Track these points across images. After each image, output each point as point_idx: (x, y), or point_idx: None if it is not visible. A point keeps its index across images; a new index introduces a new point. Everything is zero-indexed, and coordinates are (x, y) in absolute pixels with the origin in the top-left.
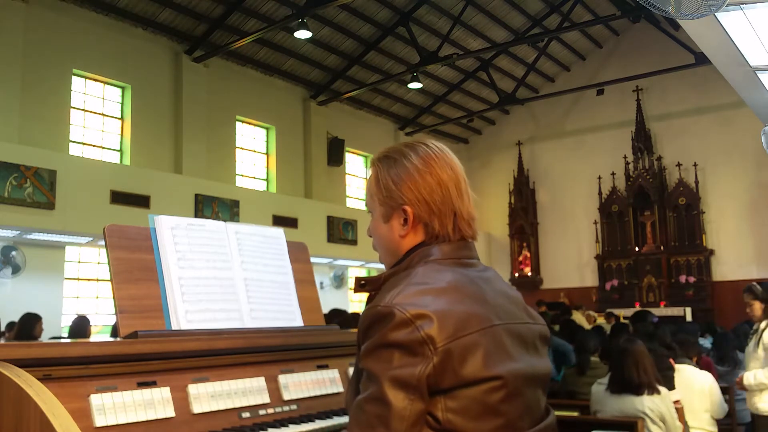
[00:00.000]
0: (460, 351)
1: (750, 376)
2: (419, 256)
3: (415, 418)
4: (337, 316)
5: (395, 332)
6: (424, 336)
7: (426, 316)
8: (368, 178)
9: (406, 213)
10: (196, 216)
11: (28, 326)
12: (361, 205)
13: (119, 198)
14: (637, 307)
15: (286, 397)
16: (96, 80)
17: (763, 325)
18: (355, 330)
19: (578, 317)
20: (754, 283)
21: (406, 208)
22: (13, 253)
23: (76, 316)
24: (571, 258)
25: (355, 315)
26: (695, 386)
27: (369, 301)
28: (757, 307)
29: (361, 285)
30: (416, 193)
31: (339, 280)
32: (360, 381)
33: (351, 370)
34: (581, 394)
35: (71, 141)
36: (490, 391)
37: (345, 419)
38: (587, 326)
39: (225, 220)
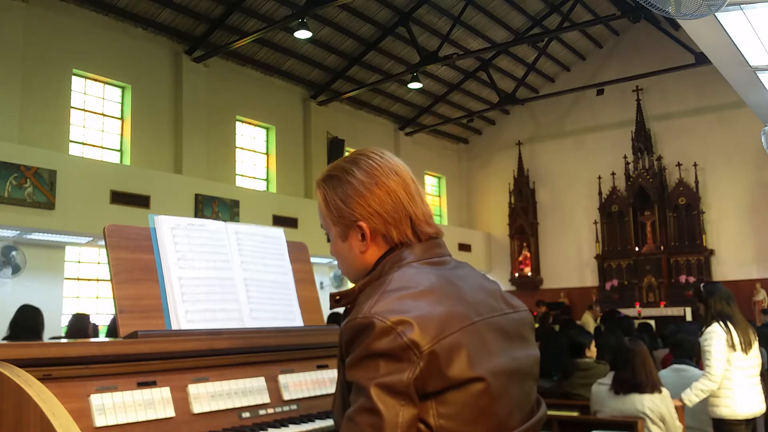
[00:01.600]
0: (445, 352)
1: (689, 393)
2: (391, 262)
3: (408, 425)
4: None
5: (378, 341)
6: (408, 341)
7: (406, 322)
8: (318, 200)
9: (362, 229)
10: (196, 216)
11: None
12: None
13: (119, 198)
14: (637, 307)
15: (286, 397)
16: (96, 80)
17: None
18: None
19: (587, 318)
20: (700, 285)
21: (361, 224)
22: (13, 253)
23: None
24: (571, 258)
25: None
26: None
27: (346, 314)
28: (702, 309)
29: (336, 300)
30: (367, 208)
31: (339, 280)
32: (344, 392)
33: None
34: (575, 395)
35: (71, 141)
36: (478, 393)
37: None
38: (592, 326)
39: (225, 220)
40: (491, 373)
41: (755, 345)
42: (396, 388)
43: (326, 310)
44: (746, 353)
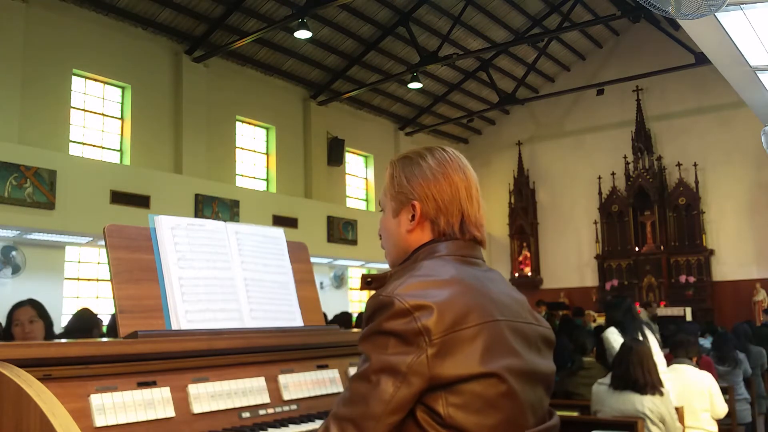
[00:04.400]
0: (458, 344)
1: None
2: (425, 252)
3: (397, 406)
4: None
5: (393, 321)
6: (421, 327)
7: (426, 307)
8: (386, 176)
9: (414, 208)
10: (196, 216)
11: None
12: (361, 205)
13: (119, 198)
14: (638, 307)
15: (286, 397)
16: (96, 80)
17: None
18: (355, 330)
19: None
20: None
21: (415, 203)
22: (13, 253)
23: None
24: (571, 258)
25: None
26: (695, 386)
27: None
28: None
29: (367, 282)
30: (425, 190)
31: (339, 280)
32: None
33: (351, 371)
34: (576, 395)
35: (71, 141)
36: (490, 386)
37: None
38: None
39: (225, 220)
40: (506, 370)
41: None
42: (397, 368)
43: (333, 304)
44: None
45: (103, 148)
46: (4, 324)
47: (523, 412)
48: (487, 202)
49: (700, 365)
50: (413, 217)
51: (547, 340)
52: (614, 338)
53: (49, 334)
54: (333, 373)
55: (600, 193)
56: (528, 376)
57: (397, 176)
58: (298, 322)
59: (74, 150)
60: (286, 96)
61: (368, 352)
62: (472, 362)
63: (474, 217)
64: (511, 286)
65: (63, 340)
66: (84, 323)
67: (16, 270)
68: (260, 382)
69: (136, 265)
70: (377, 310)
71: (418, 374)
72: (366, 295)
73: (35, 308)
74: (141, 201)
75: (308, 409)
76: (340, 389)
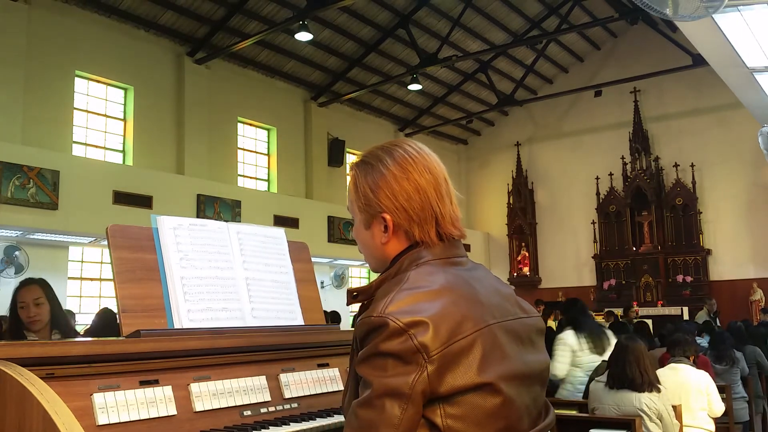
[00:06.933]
0: (456, 356)
1: None
2: (409, 260)
3: (407, 427)
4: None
5: (388, 342)
6: (418, 345)
7: (420, 324)
8: (348, 182)
9: (386, 221)
10: (198, 216)
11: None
12: None
13: (122, 198)
14: (635, 307)
15: (287, 395)
16: (98, 81)
17: None
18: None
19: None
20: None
21: (385, 216)
22: (17, 253)
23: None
24: (569, 258)
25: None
26: (692, 385)
27: (362, 310)
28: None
29: (353, 296)
30: (394, 201)
31: (339, 280)
32: (355, 385)
33: None
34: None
35: (74, 142)
36: (487, 396)
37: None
38: None
39: (227, 220)
40: (502, 378)
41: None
42: (400, 389)
43: (333, 304)
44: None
45: (105, 148)
46: (9, 306)
47: (520, 417)
48: (485, 203)
49: (698, 364)
50: (386, 228)
51: (539, 330)
52: (570, 341)
53: (56, 318)
54: (334, 372)
55: (598, 194)
56: (523, 379)
57: (361, 186)
58: (299, 321)
59: (77, 151)
60: (287, 97)
61: (368, 376)
62: (472, 372)
63: (449, 215)
64: (497, 279)
65: (70, 339)
66: (108, 322)
67: (19, 270)
68: (261, 380)
69: (139, 265)
70: (370, 332)
71: (421, 392)
72: (353, 309)
73: (43, 288)
74: (143, 201)
75: (309, 407)
76: (341, 387)
